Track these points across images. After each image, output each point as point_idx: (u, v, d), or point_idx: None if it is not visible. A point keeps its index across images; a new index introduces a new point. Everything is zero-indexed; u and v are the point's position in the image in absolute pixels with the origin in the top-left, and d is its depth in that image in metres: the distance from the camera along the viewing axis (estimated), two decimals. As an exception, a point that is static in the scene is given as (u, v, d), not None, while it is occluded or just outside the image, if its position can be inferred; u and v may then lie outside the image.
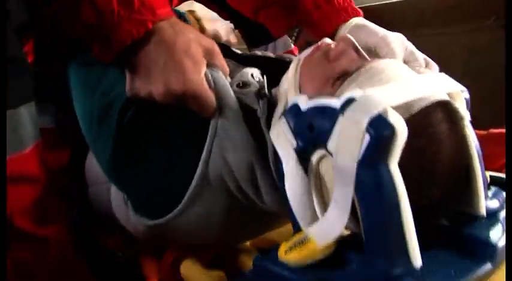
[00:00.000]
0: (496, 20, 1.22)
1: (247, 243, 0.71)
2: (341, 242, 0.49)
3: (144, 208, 0.64)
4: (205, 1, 1.10)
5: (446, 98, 0.48)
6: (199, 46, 0.58)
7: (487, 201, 0.53)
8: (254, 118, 0.58)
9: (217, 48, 0.61)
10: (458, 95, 0.50)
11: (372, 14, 1.12)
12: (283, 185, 0.52)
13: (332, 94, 0.50)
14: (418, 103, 0.46)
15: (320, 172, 0.50)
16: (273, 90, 0.62)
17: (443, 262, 0.47)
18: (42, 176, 0.57)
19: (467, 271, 0.46)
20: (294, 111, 0.51)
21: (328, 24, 0.77)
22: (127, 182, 0.63)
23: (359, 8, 0.80)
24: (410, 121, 0.43)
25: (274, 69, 0.64)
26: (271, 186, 0.57)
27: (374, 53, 0.65)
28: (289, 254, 0.48)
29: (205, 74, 0.58)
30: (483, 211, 0.51)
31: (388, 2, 1.39)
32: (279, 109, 0.55)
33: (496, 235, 0.49)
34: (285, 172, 0.51)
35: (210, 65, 0.60)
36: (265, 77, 0.64)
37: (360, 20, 0.75)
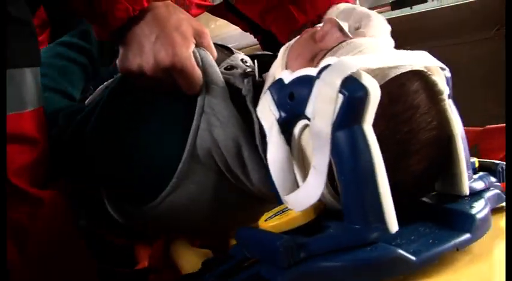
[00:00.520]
0: (499, 30, 1.23)
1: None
2: (323, 213, 0.50)
3: (136, 191, 0.65)
4: (223, 12, 1.14)
5: (423, 69, 0.49)
6: (190, 26, 0.61)
7: (472, 182, 0.53)
8: (240, 97, 0.60)
9: (206, 31, 0.64)
10: (437, 70, 0.51)
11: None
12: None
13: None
14: (394, 71, 0.47)
15: (301, 142, 0.51)
16: (264, 75, 0.63)
17: (423, 232, 0.48)
18: (42, 141, 0.58)
19: (445, 241, 0.45)
20: (277, 84, 0.53)
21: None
22: (115, 165, 0.64)
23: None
24: (385, 87, 0.44)
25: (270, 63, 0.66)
26: (258, 164, 0.58)
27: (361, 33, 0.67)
28: (269, 222, 0.49)
29: (193, 52, 0.61)
30: (466, 191, 0.51)
31: (393, 16, 1.42)
32: (266, 88, 0.57)
33: (477, 207, 0.49)
34: (267, 143, 0.52)
35: (198, 46, 0.62)
36: (255, 61, 0.66)
37: (348, 5, 0.76)
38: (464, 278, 0.44)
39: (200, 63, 0.61)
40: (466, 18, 1.32)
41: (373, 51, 0.51)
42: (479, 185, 0.54)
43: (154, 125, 0.61)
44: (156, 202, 0.62)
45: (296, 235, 0.46)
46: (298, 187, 0.50)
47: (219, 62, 0.66)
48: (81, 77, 0.87)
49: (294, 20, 1.01)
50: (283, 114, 0.51)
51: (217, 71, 0.62)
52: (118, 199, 0.69)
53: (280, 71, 0.57)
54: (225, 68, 0.65)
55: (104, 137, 0.63)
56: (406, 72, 0.47)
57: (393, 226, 0.43)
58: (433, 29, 1.40)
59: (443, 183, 0.53)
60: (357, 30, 0.60)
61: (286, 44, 0.61)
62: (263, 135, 0.56)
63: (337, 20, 0.56)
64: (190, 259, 0.61)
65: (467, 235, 0.46)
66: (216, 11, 1.10)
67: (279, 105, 0.51)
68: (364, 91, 0.42)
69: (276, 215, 0.49)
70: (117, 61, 0.62)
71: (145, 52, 0.59)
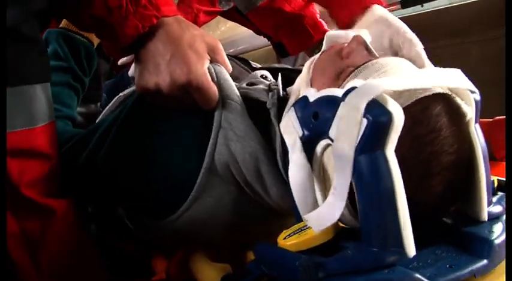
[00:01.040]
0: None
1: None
2: (341, 233, 0.50)
3: (154, 206, 0.65)
4: (235, 16, 1.14)
5: (447, 91, 0.49)
6: (203, 42, 0.62)
7: (490, 207, 0.53)
8: (263, 110, 0.61)
9: (220, 46, 0.65)
10: (465, 93, 0.51)
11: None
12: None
13: (339, 87, 0.53)
14: (418, 93, 0.47)
15: (323, 161, 0.51)
16: (288, 89, 0.64)
17: (440, 256, 0.48)
18: (53, 155, 0.59)
19: (463, 266, 0.46)
20: (302, 102, 0.53)
21: (347, 12, 0.78)
22: (134, 181, 0.64)
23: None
24: (408, 109, 0.45)
25: (291, 77, 0.67)
26: (277, 179, 0.59)
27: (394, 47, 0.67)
28: (288, 240, 0.49)
29: (208, 69, 0.61)
30: (484, 217, 0.51)
31: (403, 15, 1.41)
32: (290, 103, 0.57)
33: (495, 233, 0.49)
34: (289, 161, 0.53)
35: (213, 61, 0.63)
36: (279, 75, 0.66)
37: (380, 12, 0.75)
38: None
39: (215, 79, 0.62)
40: (476, 16, 1.31)
41: (398, 72, 0.51)
42: (497, 209, 0.54)
43: (172, 140, 0.62)
44: (175, 216, 0.63)
45: (314, 255, 0.47)
46: (318, 205, 0.50)
47: (237, 76, 0.67)
48: (69, 95, 0.87)
49: (308, 36, 1.02)
50: (306, 132, 0.51)
51: (232, 86, 0.63)
52: (136, 214, 0.70)
53: (305, 87, 0.57)
54: (247, 84, 0.65)
55: (122, 154, 0.64)
56: (430, 95, 0.48)
57: (411, 250, 0.44)
58: (443, 27, 1.39)
59: (463, 205, 0.53)
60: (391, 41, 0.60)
61: (311, 59, 0.62)
62: (285, 150, 0.56)
63: (363, 36, 0.57)
64: (209, 274, 0.61)
65: (484, 262, 0.46)
66: (226, 13, 1.11)
67: (303, 124, 0.52)
68: (388, 116, 0.42)
69: (294, 234, 0.50)
70: (135, 80, 0.63)
71: (161, 71, 0.59)
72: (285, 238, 0.50)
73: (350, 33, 0.60)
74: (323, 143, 0.50)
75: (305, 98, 0.53)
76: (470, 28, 1.34)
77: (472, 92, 0.51)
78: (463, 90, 0.51)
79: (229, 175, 0.60)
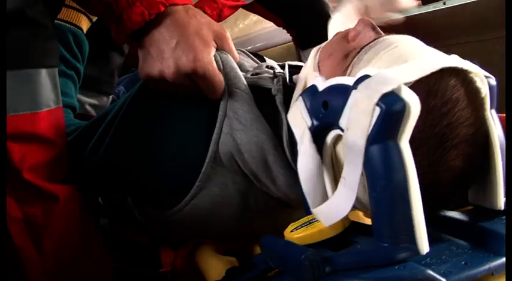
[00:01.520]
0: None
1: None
2: (350, 227, 0.48)
3: (160, 195, 0.65)
4: (256, 7, 1.12)
5: (463, 67, 0.47)
6: (210, 30, 0.60)
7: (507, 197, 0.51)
8: (269, 98, 0.59)
9: (227, 34, 0.63)
10: (478, 74, 0.48)
11: (406, 25, 1.11)
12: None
13: (348, 66, 0.51)
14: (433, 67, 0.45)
15: (333, 153, 0.49)
16: (294, 77, 0.62)
17: (455, 252, 0.46)
18: (58, 141, 0.58)
19: (479, 263, 0.43)
20: (310, 91, 0.51)
21: None
22: (139, 171, 0.63)
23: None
24: (423, 81, 0.43)
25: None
26: (285, 168, 0.57)
27: None
28: (295, 233, 0.48)
29: (214, 57, 0.60)
30: (501, 205, 0.49)
31: (421, 12, 1.37)
32: (297, 91, 0.56)
33: (513, 229, 0.46)
34: (298, 152, 0.51)
35: (219, 50, 0.61)
36: (286, 64, 0.64)
37: None
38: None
39: (221, 67, 0.60)
40: (496, 12, 1.27)
41: (408, 49, 0.49)
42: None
43: (177, 129, 0.61)
44: (181, 206, 0.62)
45: (322, 249, 0.45)
46: (328, 198, 0.48)
47: (247, 69, 0.65)
48: (65, 83, 0.85)
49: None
50: (315, 122, 0.49)
51: (239, 74, 0.61)
52: (143, 204, 0.69)
53: (312, 71, 0.55)
54: (252, 74, 0.64)
55: (126, 144, 0.63)
56: (446, 68, 0.46)
57: (424, 247, 0.42)
58: (462, 24, 1.35)
59: (477, 193, 0.51)
60: None
61: (317, 46, 0.61)
62: (292, 138, 0.55)
63: (369, 19, 0.55)
64: (215, 266, 0.60)
65: (502, 259, 0.44)
66: (249, 6, 1.09)
67: (312, 113, 0.50)
68: (402, 105, 0.40)
69: (302, 226, 0.48)
70: (139, 66, 0.61)
71: (166, 58, 0.58)
72: (292, 231, 0.48)
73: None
74: (333, 133, 0.48)
75: (313, 87, 0.51)
76: (490, 24, 1.30)
77: (487, 77, 0.49)
78: (478, 73, 0.49)
79: (235, 165, 0.59)
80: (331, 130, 0.48)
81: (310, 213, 0.50)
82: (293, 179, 0.56)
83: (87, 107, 1.02)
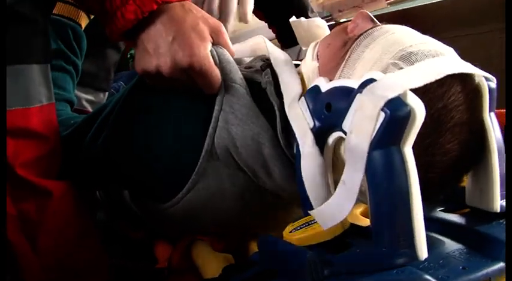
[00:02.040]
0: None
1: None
2: (349, 229, 0.48)
3: (156, 189, 0.64)
4: None
5: (472, 72, 0.47)
6: (206, 24, 0.59)
7: (503, 200, 0.51)
8: (260, 91, 0.59)
9: (223, 29, 0.62)
10: (479, 76, 0.49)
11: (406, 16, 1.10)
12: (298, 165, 0.51)
13: (346, 52, 0.52)
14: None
15: (335, 155, 0.49)
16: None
17: (452, 256, 0.46)
18: (50, 136, 0.58)
19: (477, 268, 0.44)
20: (313, 91, 0.51)
21: None
22: (135, 165, 0.63)
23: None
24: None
25: None
26: (281, 160, 0.57)
27: None
28: (294, 234, 0.48)
29: (211, 51, 0.59)
30: (497, 207, 0.49)
31: (421, 4, 1.37)
32: (291, 84, 0.56)
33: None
34: (300, 153, 0.51)
35: (215, 44, 0.61)
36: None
37: None
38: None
39: (217, 61, 0.60)
40: (495, 4, 1.26)
41: (405, 35, 0.50)
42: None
43: (173, 123, 0.60)
44: (176, 199, 0.61)
45: (321, 251, 0.45)
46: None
47: (244, 60, 0.65)
48: (64, 78, 0.86)
49: None
50: (317, 123, 0.49)
51: (235, 68, 0.61)
52: (140, 197, 0.69)
53: (311, 61, 0.56)
54: (245, 68, 0.64)
55: (122, 137, 0.62)
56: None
57: (423, 253, 0.42)
58: (460, 16, 1.34)
59: (474, 194, 0.51)
60: None
61: (315, 41, 0.61)
62: (287, 129, 0.55)
63: (368, 12, 0.55)
64: (211, 263, 0.60)
65: (500, 264, 0.44)
66: None
67: (314, 114, 0.49)
68: (408, 111, 0.40)
69: (301, 228, 0.48)
70: (135, 62, 0.60)
71: (162, 53, 0.57)
72: (291, 232, 0.48)
73: None
74: (335, 135, 0.48)
75: (316, 87, 0.50)
76: (489, 16, 1.29)
77: (488, 79, 0.49)
78: (478, 75, 0.49)
79: (230, 159, 0.59)
80: (333, 132, 0.48)
81: (308, 214, 0.50)
82: (288, 173, 0.56)
83: (84, 102, 1.02)
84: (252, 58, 0.72)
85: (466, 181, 0.52)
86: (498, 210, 0.49)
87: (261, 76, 0.62)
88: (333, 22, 1.39)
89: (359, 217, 0.67)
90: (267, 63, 0.64)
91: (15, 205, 0.55)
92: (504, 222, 0.49)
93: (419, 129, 0.41)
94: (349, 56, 0.52)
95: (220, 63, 0.60)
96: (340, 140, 0.48)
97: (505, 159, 0.50)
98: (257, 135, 0.57)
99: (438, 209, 0.56)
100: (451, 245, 0.48)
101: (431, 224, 0.48)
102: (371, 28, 0.53)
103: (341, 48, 0.54)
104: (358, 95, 0.43)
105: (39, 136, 0.57)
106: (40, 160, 0.57)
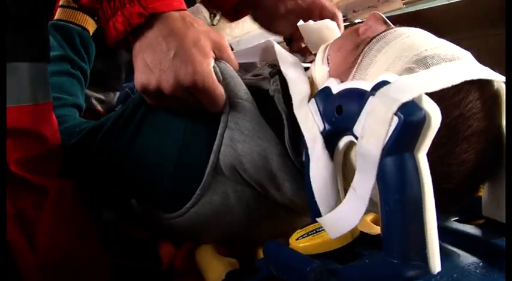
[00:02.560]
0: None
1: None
2: (359, 238, 0.46)
3: (162, 202, 0.64)
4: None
5: (491, 77, 0.45)
6: (208, 39, 0.57)
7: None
8: (270, 99, 0.58)
9: (225, 43, 0.59)
10: (500, 85, 0.46)
11: (421, 17, 1.08)
12: (307, 170, 0.50)
13: (358, 56, 0.50)
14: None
15: (348, 160, 0.47)
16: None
17: (467, 270, 0.43)
18: (47, 135, 0.58)
19: (492, 284, 0.42)
20: (324, 93, 0.49)
21: None
22: (140, 179, 0.63)
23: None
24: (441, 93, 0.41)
25: None
26: (290, 173, 0.55)
27: None
28: (300, 242, 0.46)
29: (213, 68, 0.56)
30: None
31: (439, 4, 1.34)
32: (299, 88, 0.54)
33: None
34: (309, 156, 0.49)
35: (218, 59, 0.58)
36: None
37: None
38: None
39: (221, 78, 0.57)
40: (499, 8, 1.23)
41: (419, 38, 0.48)
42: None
43: (178, 140, 0.59)
44: (181, 212, 0.61)
45: (328, 260, 0.44)
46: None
47: (247, 68, 0.63)
48: (71, 83, 0.86)
49: None
50: (327, 126, 0.47)
51: (240, 83, 0.58)
52: (146, 205, 0.69)
53: (321, 64, 0.54)
54: (253, 75, 0.63)
55: (128, 153, 0.62)
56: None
57: (436, 266, 0.39)
58: (466, 19, 1.31)
59: (491, 206, 0.48)
60: None
61: (325, 44, 0.59)
62: (295, 139, 0.54)
63: (380, 13, 0.54)
64: (215, 267, 0.58)
65: (516, 281, 0.42)
66: None
67: (325, 117, 0.47)
68: (422, 116, 0.38)
69: (308, 235, 0.46)
70: (135, 79, 0.57)
71: (164, 70, 0.54)
72: (297, 239, 0.46)
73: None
74: (346, 139, 0.46)
75: (327, 89, 0.48)
76: (494, 20, 1.26)
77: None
78: (497, 80, 0.46)
79: (237, 176, 0.57)
80: (344, 136, 0.46)
81: (315, 221, 0.48)
82: (298, 184, 0.55)
83: (93, 101, 1.01)
84: (263, 63, 0.71)
85: (483, 191, 0.50)
86: None
87: (269, 84, 0.60)
88: (348, 23, 1.36)
89: (370, 225, 0.65)
90: (275, 70, 0.62)
91: (12, 202, 0.54)
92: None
93: (434, 139, 0.39)
94: (361, 61, 0.50)
95: (224, 80, 0.57)
96: (351, 144, 0.46)
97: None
98: (264, 150, 0.56)
99: (452, 219, 0.54)
100: (466, 258, 0.45)
101: (445, 234, 0.46)
102: (384, 31, 0.51)
103: (353, 51, 0.52)
104: (370, 98, 0.41)
105: (34, 135, 0.56)
106: (36, 158, 0.56)
